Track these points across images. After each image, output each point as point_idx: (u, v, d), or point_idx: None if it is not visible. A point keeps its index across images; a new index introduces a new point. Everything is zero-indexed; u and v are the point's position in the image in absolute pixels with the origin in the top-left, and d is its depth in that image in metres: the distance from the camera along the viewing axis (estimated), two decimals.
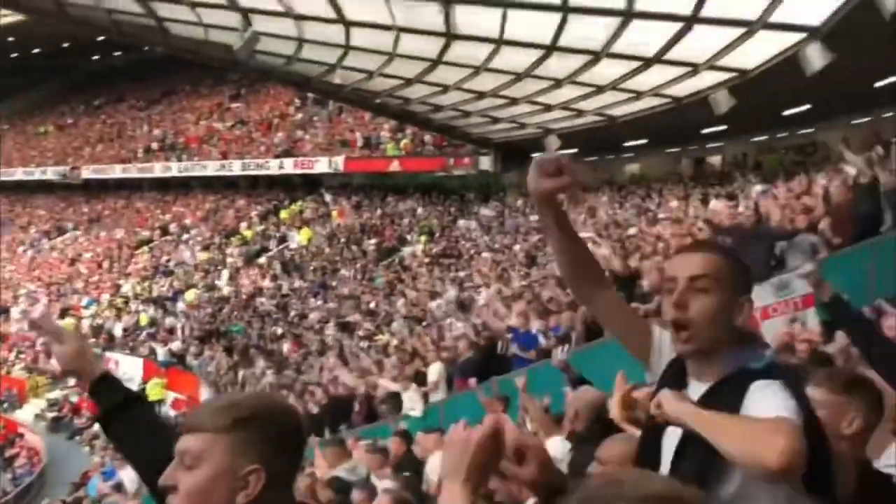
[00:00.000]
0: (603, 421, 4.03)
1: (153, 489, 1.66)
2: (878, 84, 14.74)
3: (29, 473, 19.73)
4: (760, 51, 13.35)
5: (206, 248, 31.11)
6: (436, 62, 16.91)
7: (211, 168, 34.33)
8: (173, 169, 35.67)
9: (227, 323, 24.01)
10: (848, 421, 2.31)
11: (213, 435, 1.48)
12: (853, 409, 2.33)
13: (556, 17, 13.21)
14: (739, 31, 12.54)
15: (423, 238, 25.85)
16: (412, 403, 10.49)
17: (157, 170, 36.36)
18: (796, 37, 12.27)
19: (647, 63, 14.81)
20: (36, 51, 47.28)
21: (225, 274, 28.21)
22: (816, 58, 11.77)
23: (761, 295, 7.82)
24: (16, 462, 20.66)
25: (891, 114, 17.67)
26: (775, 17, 11.66)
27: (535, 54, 15.36)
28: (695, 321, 1.72)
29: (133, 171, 37.42)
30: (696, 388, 1.76)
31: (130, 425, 1.97)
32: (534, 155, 2.02)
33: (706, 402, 1.67)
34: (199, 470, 1.46)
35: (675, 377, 1.82)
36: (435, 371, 10.62)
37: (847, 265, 8.17)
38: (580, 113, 19.48)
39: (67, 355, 1.99)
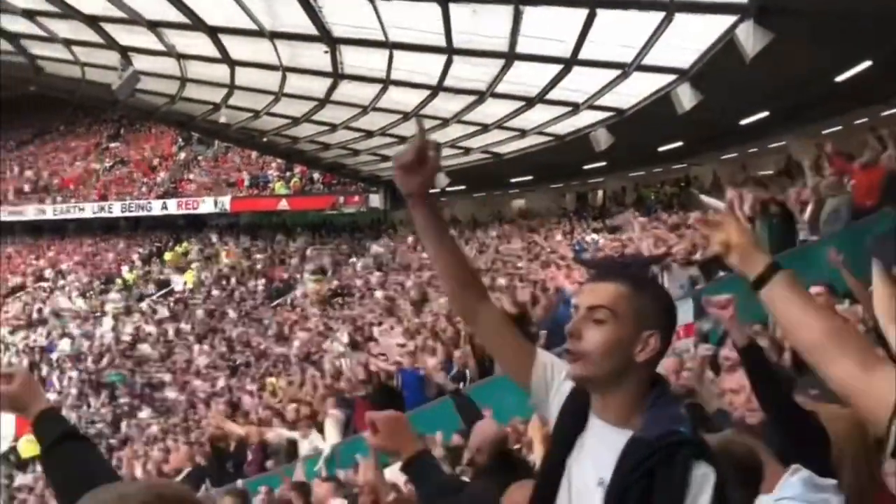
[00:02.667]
0: (504, 454, 4.12)
1: None
2: (744, 122, 15.74)
3: None
4: (635, 91, 14.06)
5: (83, 294, 29.62)
6: (323, 101, 16.91)
7: (89, 210, 32.92)
8: (47, 212, 33.97)
9: (109, 372, 22.88)
10: None
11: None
12: None
13: (441, 59, 13.49)
14: (615, 72, 13.17)
15: (314, 277, 25.55)
16: (317, 444, 10.24)
17: (30, 213, 34.52)
18: (667, 78, 12.99)
19: (530, 103, 15.31)
20: None
21: (106, 321, 26.93)
22: (686, 98, 12.55)
23: None
24: None
25: (755, 150, 18.94)
26: (648, 60, 12.31)
27: (422, 94, 15.61)
28: (587, 352, 1.65)
29: (3, 215, 35.36)
30: (597, 425, 1.69)
31: (65, 464, 1.80)
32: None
33: (627, 463, 1.56)
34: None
35: (575, 412, 1.73)
36: (331, 425, 10.40)
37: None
38: (467, 151, 19.89)
39: (14, 392, 1.86)
